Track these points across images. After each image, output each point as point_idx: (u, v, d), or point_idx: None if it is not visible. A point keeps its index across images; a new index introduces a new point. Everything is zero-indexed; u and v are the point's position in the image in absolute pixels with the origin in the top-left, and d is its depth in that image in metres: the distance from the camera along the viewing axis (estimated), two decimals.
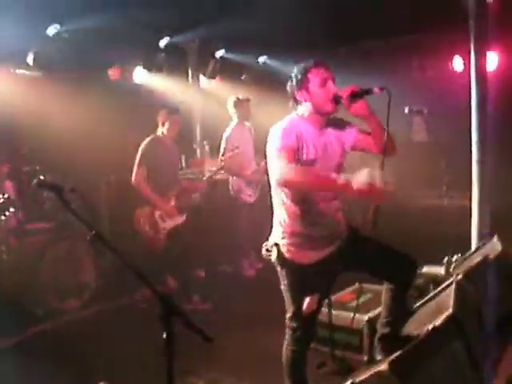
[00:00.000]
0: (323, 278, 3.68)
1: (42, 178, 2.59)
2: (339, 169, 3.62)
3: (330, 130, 3.62)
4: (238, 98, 7.45)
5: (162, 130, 6.32)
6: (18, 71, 7.18)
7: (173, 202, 6.30)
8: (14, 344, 5.49)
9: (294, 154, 3.36)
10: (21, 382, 4.62)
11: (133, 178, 6.15)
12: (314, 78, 3.49)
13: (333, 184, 3.27)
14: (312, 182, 3.36)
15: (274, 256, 3.65)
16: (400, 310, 4.00)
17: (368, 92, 3.45)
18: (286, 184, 3.35)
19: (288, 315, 3.70)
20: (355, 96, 3.45)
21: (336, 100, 3.48)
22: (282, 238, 3.60)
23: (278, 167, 3.34)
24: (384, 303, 3.95)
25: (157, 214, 6.20)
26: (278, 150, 3.35)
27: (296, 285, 3.62)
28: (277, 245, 3.62)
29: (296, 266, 3.58)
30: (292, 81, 3.57)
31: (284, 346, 3.78)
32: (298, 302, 3.64)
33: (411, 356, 3.34)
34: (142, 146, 6.23)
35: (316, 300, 3.63)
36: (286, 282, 3.64)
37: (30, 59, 6.94)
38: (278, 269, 3.67)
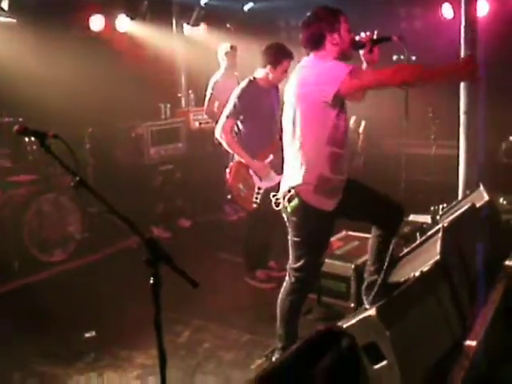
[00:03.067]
0: (333, 225, 3.70)
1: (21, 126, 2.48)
2: None
3: None
4: (231, 47, 7.31)
5: (264, 73, 5.26)
6: None
7: (271, 158, 5.25)
8: (3, 294, 5.49)
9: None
10: (6, 336, 4.59)
11: (217, 130, 5.26)
12: (345, 24, 3.55)
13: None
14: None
15: (292, 205, 3.57)
16: (386, 257, 4.01)
17: (388, 39, 3.61)
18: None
19: (295, 266, 3.70)
20: (376, 42, 3.63)
21: (356, 45, 3.62)
22: (307, 184, 3.53)
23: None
24: (370, 250, 3.95)
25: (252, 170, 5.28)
26: (351, 71, 3.33)
27: (316, 233, 3.61)
28: (296, 192, 3.55)
29: (318, 213, 3.54)
30: (318, 22, 3.53)
31: (281, 295, 3.81)
32: (313, 252, 3.65)
33: (398, 302, 3.37)
34: (236, 92, 5.28)
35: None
36: (303, 232, 3.61)
37: (4, 4, 6.70)
38: (294, 218, 3.61)
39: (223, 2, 8.95)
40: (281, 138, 3.79)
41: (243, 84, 5.31)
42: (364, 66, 3.71)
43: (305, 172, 3.53)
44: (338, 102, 3.44)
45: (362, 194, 3.74)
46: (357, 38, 3.62)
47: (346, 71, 3.32)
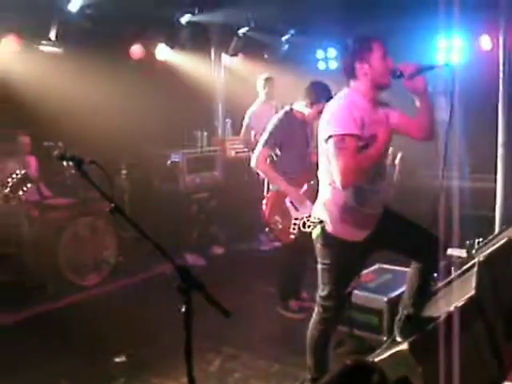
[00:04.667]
0: (365, 256, 3.69)
1: (62, 150, 2.56)
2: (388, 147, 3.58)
3: (380, 108, 3.58)
4: (269, 77, 7.40)
5: (301, 107, 5.32)
6: (40, 47, 7.15)
7: (305, 188, 5.21)
8: (33, 317, 5.56)
9: (356, 143, 3.31)
10: (38, 357, 4.65)
11: (253, 159, 5.25)
12: (377, 51, 3.45)
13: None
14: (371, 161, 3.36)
15: (316, 233, 3.60)
16: (424, 291, 3.96)
17: (431, 68, 3.48)
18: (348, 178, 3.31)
19: (322, 294, 3.69)
20: (420, 72, 3.45)
21: (394, 74, 3.46)
22: (331, 214, 3.54)
23: (340, 156, 3.29)
24: (409, 283, 3.91)
25: (288, 200, 5.23)
26: (341, 137, 3.29)
27: (339, 263, 3.59)
28: (322, 222, 3.57)
29: (342, 243, 3.53)
30: (350, 52, 3.50)
31: (311, 325, 3.79)
32: (338, 282, 3.63)
33: (431, 337, 3.31)
34: (273, 121, 5.33)
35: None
36: (327, 261, 3.60)
37: (52, 34, 6.91)
38: (319, 246, 3.63)
39: (262, 33, 9.03)
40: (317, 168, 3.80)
41: (280, 114, 5.36)
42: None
43: (329, 202, 3.55)
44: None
45: (400, 227, 3.71)
46: (396, 66, 3.49)
47: (338, 131, 3.31)
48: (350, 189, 3.46)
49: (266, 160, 5.20)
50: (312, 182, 5.00)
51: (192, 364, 2.22)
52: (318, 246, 3.64)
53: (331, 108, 3.49)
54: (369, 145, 3.37)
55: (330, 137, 3.34)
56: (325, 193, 3.60)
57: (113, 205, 2.39)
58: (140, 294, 6.14)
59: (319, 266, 3.67)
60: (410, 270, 3.92)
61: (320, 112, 5.08)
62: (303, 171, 5.23)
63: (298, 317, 5.35)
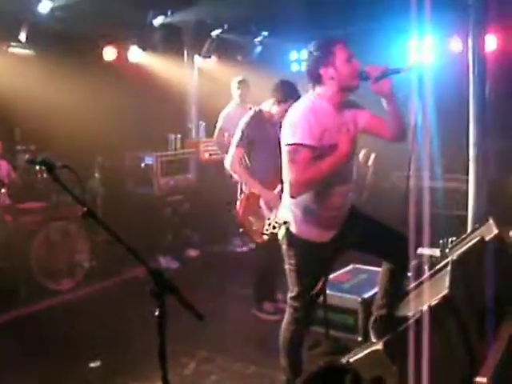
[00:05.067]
0: (331, 256, 3.69)
1: (33, 154, 2.53)
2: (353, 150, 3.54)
3: (347, 111, 3.55)
4: (243, 80, 7.39)
5: (269, 106, 5.37)
6: (9, 49, 7.07)
7: (278, 188, 5.04)
8: (5, 322, 5.49)
9: (310, 154, 3.30)
10: (11, 363, 4.60)
11: (227, 161, 5.32)
12: (340, 54, 3.39)
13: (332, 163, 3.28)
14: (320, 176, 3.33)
15: (281, 233, 3.61)
16: (396, 291, 3.99)
17: (397, 71, 3.42)
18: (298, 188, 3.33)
19: (291, 295, 3.69)
20: (386, 75, 3.40)
21: (360, 76, 3.41)
22: (295, 215, 3.55)
23: (291, 167, 3.32)
24: (381, 284, 3.93)
25: (262, 201, 5.24)
26: (294, 147, 3.30)
27: (305, 264, 3.59)
28: (286, 223, 3.58)
29: (307, 244, 3.54)
30: (313, 58, 3.45)
31: (283, 326, 3.78)
32: (304, 282, 3.63)
33: (405, 337, 3.33)
34: (243, 121, 5.34)
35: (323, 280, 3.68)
36: (293, 262, 3.60)
37: (22, 36, 6.84)
38: (284, 247, 3.63)
39: (234, 35, 9.04)
40: None
41: (250, 114, 5.38)
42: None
43: (292, 204, 3.55)
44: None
45: (368, 227, 3.72)
46: (364, 68, 3.43)
47: (291, 140, 3.32)
48: (309, 192, 3.47)
49: (240, 161, 5.21)
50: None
51: (167, 368, 2.21)
52: (283, 246, 3.64)
53: (291, 113, 3.47)
54: (326, 154, 3.33)
55: (286, 145, 3.35)
56: (286, 194, 3.60)
57: (85, 209, 2.37)
58: (114, 298, 6.08)
59: (286, 267, 3.68)
60: (381, 271, 3.95)
61: (287, 111, 5.13)
62: (276, 171, 5.23)
63: (272, 318, 5.34)
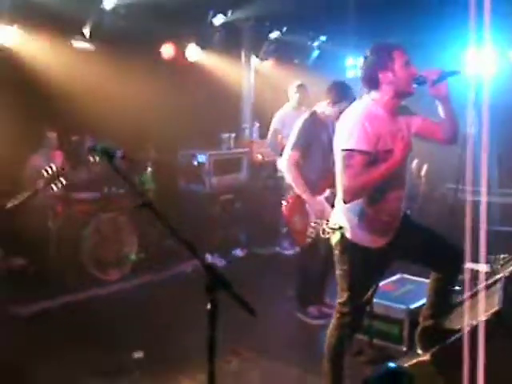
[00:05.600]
0: (384, 264, 3.67)
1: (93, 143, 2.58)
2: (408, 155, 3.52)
3: (400, 117, 3.54)
4: (301, 85, 7.39)
5: (323, 107, 5.34)
6: (73, 43, 7.22)
7: (327, 193, 5.17)
8: (52, 309, 5.63)
9: (365, 160, 3.29)
10: (57, 349, 4.71)
11: (282, 163, 5.32)
12: (399, 59, 3.38)
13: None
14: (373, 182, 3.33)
15: (335, 239, 3.58)
16: (444, 303, 3.93)
17: (453, 73, 3.43)
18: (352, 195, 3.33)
19: (341, 300, 3.66)
20: (443, 77, 3.40)
21: (418, 81, 3.41)
22: (350, 220, 3.52)
23: (345, 172, 3.30)
24: (429, 295, 3.89)
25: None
26: (349, 153, 3.28)
27: (358, 270, 3.56)
28: (341, 228, 3.55)
29: (362, 250, 3.51)
30: (371, 61, 3.43)
31: (329, 331, 3.75)
32: (355, 288, 3.61)
33: (454, 349, 3.28)
34: (299, 123, 5.34)
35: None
36: (345, 267, 3.58)
37: (86, 31, 7.00)
38: (337, 253, 3.61)
39: (293, 38, 9.05)
40: None
41: (304, 116, 5.38)
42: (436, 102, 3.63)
43: (347, 208, 3.51)
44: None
45: (422, 237, 3.69)
46: (420, 73, 3.42)
47: (348, 145, 3.29)
48: (367, 196, 3.44)
49: (295, 163, 5.19)
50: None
51: (214, 361, 2.22)
52: (336, 252, 3.61)
53: (347, 118, 3.45)
54: (380, 160, 3.33)
55: (341, 150, 3.33)
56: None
57: (144, 199, 2.40)
58: (160, 292, 6.16)
59: (337, 272, 3.65)
60: (429, 282, 3.90)
61: (342, 112, 5.11)
62: (327, 173, 5.22)
63: (317, 323, 5.32)
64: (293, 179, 5.22)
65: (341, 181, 3.35)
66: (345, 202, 3.38)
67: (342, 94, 5.15)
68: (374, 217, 3.50)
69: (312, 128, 5.25)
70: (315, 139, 5.24)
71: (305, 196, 5.16)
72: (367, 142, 3.28)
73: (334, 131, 5.22)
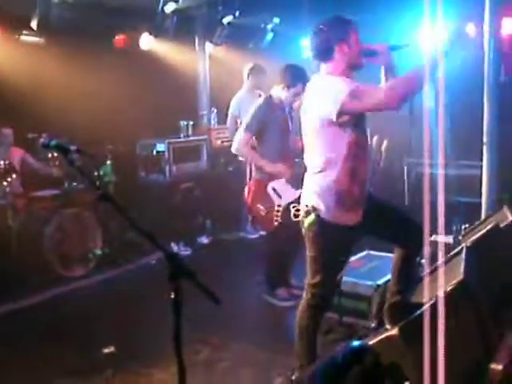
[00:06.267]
0: (355, 241, 3.71)
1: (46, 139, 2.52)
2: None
3: None
4: (254, 66, 7.35)
5: (278, 91, 5.38)
6: (21, 37, 7.06)
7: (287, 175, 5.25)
8: (18, 310, 5.53)
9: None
10: (25, 349, 4.64)
11: (234, 144, 5.32)
12: (354, 33, 3.51)
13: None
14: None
15: (309, 220, 3.56)
16: (409, 278, 3.98)
17: (401, 47, 3.68)
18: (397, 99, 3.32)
19: (312, 281, 3.67)
20: (392, 50, 3.63)
21: (370, 53, 3.58)
22: (326, 201, 3.52)
23: (370, 96, 3.32)
24: (393, 270, 3.93)
25: (270, 187, 5.25)
26: (351, 91, 3.30)
27: (333, 250, 3.58)
28: (315, 209, 3.54)
29: (337, 229, 3.52)
30: (327, 34, 3.50)
31: (299, 313, 3.77)
32: (329, 269, 3.62)
33: (421, 322, 3.31)
34: (254, 107, 5.35)
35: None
36: (319, 248, 3.58)
37: (33, 24, 6.83)
38: (311, 234, 3.60)
39: (246, 22, 8.98)
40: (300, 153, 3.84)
41: (260, 100, 5.39)
42: (382, 72, 3.71)
43: (321, 188, 3.53)
44: (349, 119, 3.42)
45: (384, 211, 3.75)
46: (368, 46, 3.59)
47: (346, 91, 3.29)
48: (340, 171, 3.47)
49: (247, 144, 5.20)
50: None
51: (182, 352, 2.20)
52: (310, 234, 3.61)
53: (327, 83, 3.47)
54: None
55: (343, 101, 3.29)
56: (315, 179, 3.58)
57: (100, 192, 2.35)
58: (126, 285, 6.13)
59: (310, 254, 3.65)
60: (393, 257, 3.94)
61: (298, 94, 5.16)
62: (284, 156, 5.24)
63: (286, 304, 5.35)
64: (247, 156, 5.31)
65: (374, 102, 3.32)
66: (395, 105, 3.33)
67: (296, 76, 5.21)
68: (348, 193, 3.52)
69: (267, 112, 5.26)
70: (271, 123, 5.25)
71: (267, 167, 5.18)
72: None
73: (290, 114, 5.31)
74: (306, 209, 3.59)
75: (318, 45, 3.55)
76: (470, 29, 8.34)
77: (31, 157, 6.74)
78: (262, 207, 5.22)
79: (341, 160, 3.47)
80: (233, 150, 5.32)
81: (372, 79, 3.65)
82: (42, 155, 6.64)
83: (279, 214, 5.17)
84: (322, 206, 3.52)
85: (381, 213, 3.70)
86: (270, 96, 5.38)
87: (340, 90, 3.32)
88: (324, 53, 3.52)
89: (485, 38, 5.71)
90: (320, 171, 3.54)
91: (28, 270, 5.97)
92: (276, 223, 5.20)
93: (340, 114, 3.34)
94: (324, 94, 3.43)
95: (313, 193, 3.58)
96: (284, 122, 5.33)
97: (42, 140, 2.60)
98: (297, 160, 5.12)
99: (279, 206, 5.17)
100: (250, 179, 5.41)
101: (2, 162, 5.98)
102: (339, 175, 3.48)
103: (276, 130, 5.27)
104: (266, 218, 5.23)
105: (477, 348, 3.62)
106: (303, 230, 3.66)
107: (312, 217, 3.54)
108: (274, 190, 5.20)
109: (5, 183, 6.01)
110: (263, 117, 5.24)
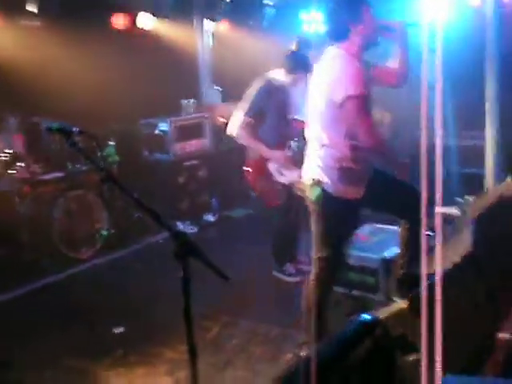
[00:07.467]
0: (359, 213, 3.71)
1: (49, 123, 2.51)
2: None
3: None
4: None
5: (278, 74, 5.33)
6: (21, 21, 6.99)
7: (289, 152, 5.16)
8: (29, 292, 5.56)
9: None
10: (36, 331, 4.66)
11: (231, 127, 5.29)
12: (367, 11, 3.49)
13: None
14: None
15: (315, 194, 3.56)
16: (416, 250, 3.97)
17: (414, 25, 3.64)
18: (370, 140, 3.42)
19: (320, 255, 3.68)
20: (409, 26, 3.61)
21: (388, 30, 3.60)
22: (330, 174, 3.53)
23: (364, 118, 3.40)
24: (400, 243, 3.93)
25: (271, 164, 5.22)
26: (362, 98, 3.35)
27: (339, 223, 3.58)
28: (319, 182, 3.54)
29: (342, 202, 3.53)
30: (342, 14, 3.48)
31: (309, 288, 3.78)
32: (336, 242, 3.63)
33: (430, 294, 3.31)
34: (253, 89, 5.26)
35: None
36: (325, 222, 3.59)
37: (32, 7, 6.76)
38: (317, 208, 3.61)
39: None
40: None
41: (260, 83, 5.31)
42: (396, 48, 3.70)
43: (325, 163, 3.54)
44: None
45: (387, 184, 3.74)
46: (385, 22, 3.60)
47: (358, 89, 3.34)
48: (345, 147, 3.45)
49: (245, 128, 5.15)
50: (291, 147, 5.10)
51: (192, 330, 2.20)
52: (316, 207, 3.61)
53: (338, 66, 3.46)
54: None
55: (350, 97, 3.33)
56: (318, 154, 3.57)
57: (105, 173, 2.34)
58: (134, 265, 6.14)
59: (317, 228, 3.65)
60: (399, 230, 3.94)
61: (296, 81, 5.11)
62: (283, 139, 5.21)
63: (294, 280, 5.36)
64: (247, 142, 5.21)
65: (360, 127, 3.39)
66: (371, 146, 3.43)
67: (297, 63, 5.17)
68: (350, 169, 3.53)
69: (267, 95, 5.21)
70: (270, 106, 5.21)
71: (265, 153, 5.14)
72: (365, 85, 3.39)
73: (289, 97, 5.26)
74: (311, 182, 3.58)
75: (334, 26, 3.54)
76: None
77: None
78: (263, 183, 5.20)
79: (343, 137, 3.47)
80: (229, 132, 5.27)
81: (383, 55, 3.70)
82: (44, 139, 6.59)
83: (283, 191, 5.17)
84: (326, 180, 3.51)
85: (382, 186, 3.69)
86: (270, 79, 5.31)
87: (350, 84, 3.34)
88: (340, 34, 3.51)
89: (487, 6, 5.65)
90: (323, 146, 3.53)
91: (37, 254, 5.99)
92: (279, 200, 5.19)
93: (343, 102, 3.37)
94: (334, 77, 3.43)
95: (317, 167, 3.58)
96: (283, 106, 5.29)
97: (44, 124, 2.57)
98: (296, 139, 5.07)
99: (283, 183, 5.16)
100: (248, 157, 5.38)
101: (7, 151, 5.99)
102: (342, 151, 3.47)
103: (275, 113, 5.23)
104: (269, 194, 5.22)
105: (486, 318, 3.63)
106: (309, 203, 3.66)
107: (317, 190, 3.55)
108: (275, 167, 5.18)
109: (11, 171, 6.03)
110: (262, 101, 5.19)
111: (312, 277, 3.77)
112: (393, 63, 3.72)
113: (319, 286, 3.74)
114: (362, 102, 3.35)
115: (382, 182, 3.72)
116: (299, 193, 3.78)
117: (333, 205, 3.54)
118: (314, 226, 3.67)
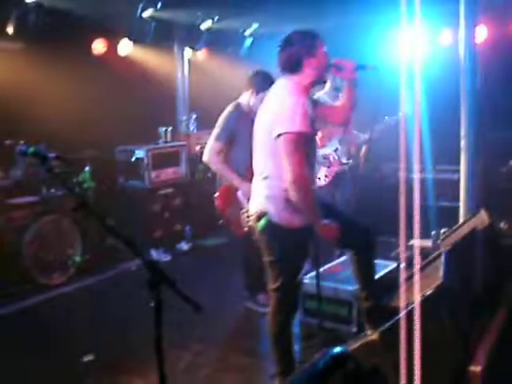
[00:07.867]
0: (307, 243, 3.68)
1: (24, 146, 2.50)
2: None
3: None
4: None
5: (246, 98, 5.34)
6: None
7: None
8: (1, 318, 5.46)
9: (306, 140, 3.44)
10: (4, 358, 4.58)
11: (205, 154, 5.25)
12: (321, 47, 3.55)
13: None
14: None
15: (261, 225, 3.57)
16: (372, 282, 4.03)
17: (367, 68, 3.76)
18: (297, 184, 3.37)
19: (275, 286, 3.67)
20: (359, 69, 3.69)
21: (339, 68, 3.67)
22: (275, 204, 3.52)
23: (293, 157, 3.36)
24: (355, 277, 4.00)
25: (240, 192, 5.18)
26: (297, 135, 3.34)
27: (290, 252, 3.57)
28: (265, 213, 3.55)
29: (289, 231, 3.52)
30: (297, 47, 3.51)
31: (269, 320, 3.76)
32: (289, 271, 3.62)
33: (400, 326, 3.33)
34: (223, 115, 5.29)
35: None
36: (276, 252, 3.59)
37: (10, 29, 6.75)
38: (266, 239, 3.60)
39: (226, 26, 8.98)
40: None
41: (229, 109, 5.33)
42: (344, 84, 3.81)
43: (270, 192, 3.55)
44: None
45: (331, 215, 3.70)
46: (337, 61, 3.65)
47: (296, 127, 3.33)
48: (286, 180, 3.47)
49: (218, 155, 5.17)
50: None
51: (163, 359, 2.19)
52: (263, 238, 3.62)
53: (283, 101, 3.48)
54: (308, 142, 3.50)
55: (285, 133, 3.34)
56: (264, 185, 3.61)
57: (80, 200, 2.34)
58: (106, 292, 6.09)
59: (268, 259, 3.65)
60: (351, 264, 4.00)
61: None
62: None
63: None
64: (218, 168, 5.22)
65: (290, 166, 3.35)
66: (294, 185, 3.36)
67: (262, 84, 5.12)
68: None
69: (237, 121, 5.22)
70: (241, 131, 5.21)
71: (235, 182, 5.13)
72: (307, 123, 3.37)
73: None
74: (256, 214, 3.60)
75: (287, 58, 3.56)
76: (446, 36, 8.44)
77: None
78: (231, 211, 5.21)
79: (283, 170, 3.47)
80: (204, 159, 5.29)
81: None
82: (19, 162, 6.54)
83: (248, 219, 5.17)
84: (271, 210, 3.53)
85: (327, 217, 3.65)
86: (239, 104, 5.34)
87: (291, 121, 3.35)
88: (292, 66, 3.54)
89: (460, 45, 5.77)
90: (266, 177, 3.56)
91: (7, 279, 5.90)
92: (246, 229, 5.20)
93: (278, 136, 3.41)
94: (277, 111, 3.46)
95: (262, 197, 3.60)
96: (253, 127, 5.31)
97: (19, 147, 2.56)
98: None
99: (248, 211, 5.16)
100: (220, 184, 5.39)
101: None
102: (285, 184, 3.48)
103: (246, 136, 5.24)
104: (236, 223, 5.22)
105: (456, 350, 3.65)
106: (257, 234, 3.66)
107: (263, 221, 3.56)
108: (243, 195, 5.19)
109: None
110: (233, 125, 5.21)
111: (270, 309, 3.76)
112: (341, 102, 3.85)
113: (278, 317, 3.72)
114: (296, 138, 3.33)
115: (325, 212, 3.68)
116: (250, 223, 3.78)
117: (280, 234, 3.54)
118: (264, 256, 3.67)
